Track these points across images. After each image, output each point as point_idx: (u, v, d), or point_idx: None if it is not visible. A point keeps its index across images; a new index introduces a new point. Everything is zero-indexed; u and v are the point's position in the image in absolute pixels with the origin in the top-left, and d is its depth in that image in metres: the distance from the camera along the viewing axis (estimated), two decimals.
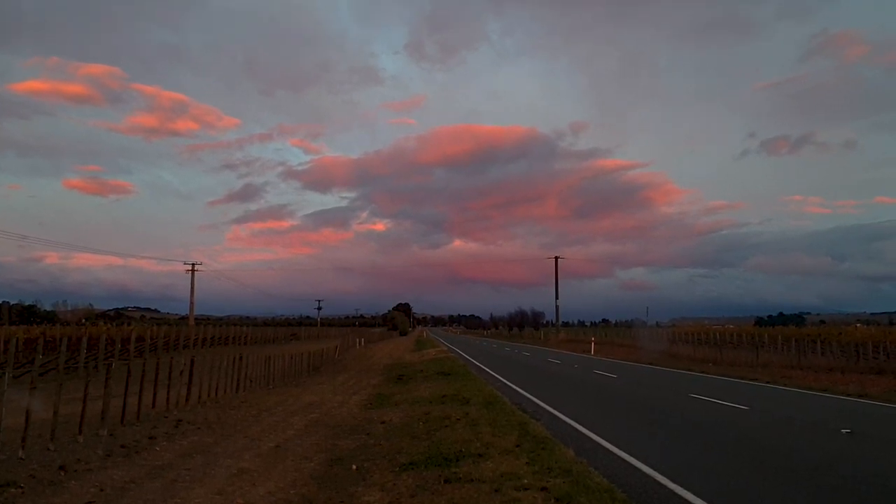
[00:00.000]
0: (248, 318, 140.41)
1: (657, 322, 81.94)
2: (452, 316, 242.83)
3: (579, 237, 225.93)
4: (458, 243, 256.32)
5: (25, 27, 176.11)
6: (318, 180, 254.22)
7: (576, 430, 11.31)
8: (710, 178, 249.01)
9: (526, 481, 6.91)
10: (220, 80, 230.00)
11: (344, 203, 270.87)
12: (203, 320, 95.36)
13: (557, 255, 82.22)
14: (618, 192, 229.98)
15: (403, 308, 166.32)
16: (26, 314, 74.39)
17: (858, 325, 56.33)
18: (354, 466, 8.27)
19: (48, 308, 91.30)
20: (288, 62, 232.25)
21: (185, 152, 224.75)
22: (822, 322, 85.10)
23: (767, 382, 20.87)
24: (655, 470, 7.91)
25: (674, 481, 7.32)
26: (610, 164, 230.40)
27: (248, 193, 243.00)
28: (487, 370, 27.17)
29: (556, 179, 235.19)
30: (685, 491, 6.91)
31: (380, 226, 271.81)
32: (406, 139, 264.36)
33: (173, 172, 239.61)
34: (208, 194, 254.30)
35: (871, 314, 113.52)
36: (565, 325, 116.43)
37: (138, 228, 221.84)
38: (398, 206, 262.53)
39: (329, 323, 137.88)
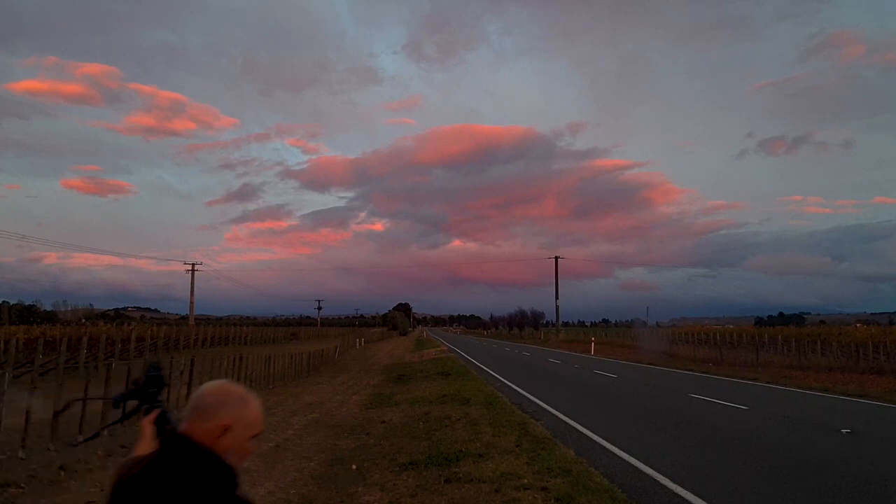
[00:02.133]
0: (248, 318, 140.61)
1: (657, 322, 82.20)
2: (452, 316, 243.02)
3: (578, 237, 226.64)
4: (457, 243, 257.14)
5: (23, 27, 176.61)
6: (316, 180, 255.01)
7: (576, 429, 11.31)
8: (708, 178, 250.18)
9: (526, 481, 6.91)
10: (218, 80, 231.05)
11: (342, 203, 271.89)
12: (203, 320, 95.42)
13: (557, 254, 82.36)
14: (616, 192, 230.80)
15: (403, 308, 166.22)
16: (26, 314, 74.31)
17: (858, 325, 56.27)
18: (354, 466, 8.27)
19: (48, 308, 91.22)
20: (287, 62, 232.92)
21: (183, 152, 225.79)
22: (822, 322, 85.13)
23: (767, 382, 20.86)
24: (655, 470, 7.91)
25: (674, 481, 7.33)
26: (608, 164, 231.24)
27: (246, 193, 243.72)
28: (487, 370, 27.16)
29: (554, 179, 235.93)
30: (685, 491, 6.91)
31: (378, 226, 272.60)
32: (405, 139, 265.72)
33: (172, 172, 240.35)
34: (207, 194, 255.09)
35: (871, 314, 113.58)
36: (565, 325, 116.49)
37: (137, 228, 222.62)
38: (397, 206, 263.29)
39: (329, 323, 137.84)
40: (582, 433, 10.92)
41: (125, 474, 1.67)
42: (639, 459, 8.55)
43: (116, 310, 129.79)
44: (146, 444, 1.82)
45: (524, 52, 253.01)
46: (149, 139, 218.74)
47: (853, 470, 8.03)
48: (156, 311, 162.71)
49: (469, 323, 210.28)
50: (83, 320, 67.07)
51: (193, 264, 75.18)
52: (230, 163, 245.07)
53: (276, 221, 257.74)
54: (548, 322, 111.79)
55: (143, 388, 1.95)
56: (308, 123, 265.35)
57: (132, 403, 2.01)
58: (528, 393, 17.65)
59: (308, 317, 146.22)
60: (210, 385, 1.74)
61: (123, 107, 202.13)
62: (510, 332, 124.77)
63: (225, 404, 1.68)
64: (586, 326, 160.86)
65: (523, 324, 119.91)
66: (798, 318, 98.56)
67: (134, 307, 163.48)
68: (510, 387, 19.56)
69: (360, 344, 63.31)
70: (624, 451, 9.18)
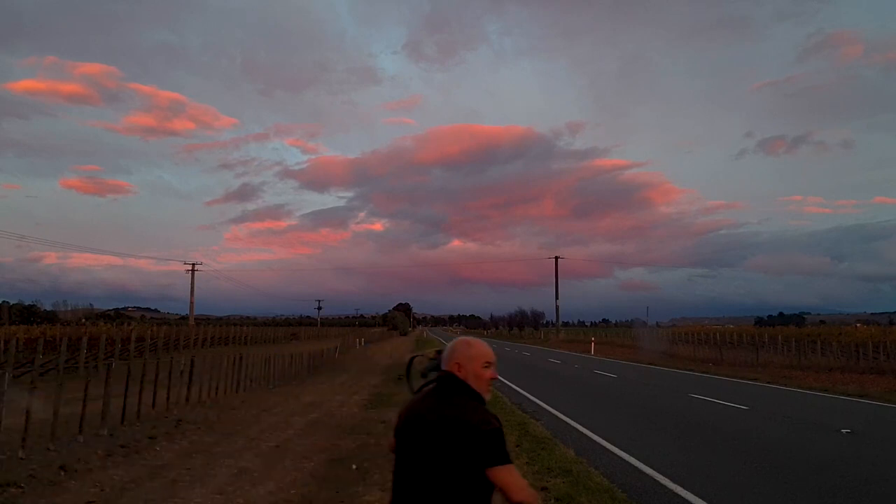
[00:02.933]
0: (248, 318, 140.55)
1: (657, 322, 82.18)
2: (452, 316, 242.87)
3: (578, 237, 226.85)
4: (456, 243, 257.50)
5: (22, 26, 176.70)
6: (315, 180, 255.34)
7: (576, 429, 11.31)
8: (708, 178, 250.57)
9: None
10: (218, 79, 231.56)
11: (342, 203, 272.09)
12: (203, 320, 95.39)
13: (557, 254, 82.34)
14: (616, 192, 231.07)
15: (403, 308, 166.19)
16: (26, 314, 74.21)
17: (858, 325, 56.27)
18: (354, 466, 8.27)
19: (48, 308, 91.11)
20: (286, 62, 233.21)
21: (182, 152, 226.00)
22: (822, 322, 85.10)
23: (768, 382, 20.86)
24: (655, 470, 7.91)
25: (674, 481, 7.33)
26: (608, 164, 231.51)
27: (245, 193, 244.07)
28: None
29: (553, 179, 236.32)
30: (685, 491, 6.91)
31: (378, 226, 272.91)
32: (404, 139, 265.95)
33: (172, 172, 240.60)
34: (206, 194, 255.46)
35: (871, 314, 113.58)
36: (565, 325, 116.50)
37: (137, 228, 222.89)
38: (396, 206, 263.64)
39: (329, 323, 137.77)
40: (582, 433, 10.92)
41: (414, 399, 2.57)
42: (639, 459, 8.55)
43: (116, 310, 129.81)
44: None
45: (524, 52, 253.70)
46: (148, 139, 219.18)
47: (853, 470, 8.03)
48: (156, 311, 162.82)
49: (469, 323, 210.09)
50: (83, 320, 67.03)
51: (194, 264, 75.14)
52: (229, 163, 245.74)
53: (276, 221, 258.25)
54: (548, 322, 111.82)
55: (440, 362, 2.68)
56: (306, 123, 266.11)
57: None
58: (528, 393, 17.65)
59: (308, 317, 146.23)
60: (450, 343, 2.56)
61: (122, 107, 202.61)
62: (510, 332, 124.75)
63: (454, 350, 2.52)
64: (586, 326, 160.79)
65: (523, 324, 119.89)
66: (798, 318, 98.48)
67: (134, 307, 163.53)
68: (510, 387, 19.55)
69: (360, 344, 63.34)
70: (624, 451, 9.18)
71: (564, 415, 13.11)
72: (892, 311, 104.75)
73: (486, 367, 2.50)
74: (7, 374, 9.11)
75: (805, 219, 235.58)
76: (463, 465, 2.28)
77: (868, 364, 26.86)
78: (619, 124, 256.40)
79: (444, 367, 2.52)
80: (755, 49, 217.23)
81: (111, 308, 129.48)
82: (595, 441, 10.13)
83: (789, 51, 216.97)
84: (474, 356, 2.50)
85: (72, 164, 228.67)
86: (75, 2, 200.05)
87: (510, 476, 2.29)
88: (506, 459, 2.30)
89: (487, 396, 2.48)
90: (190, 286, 74.06)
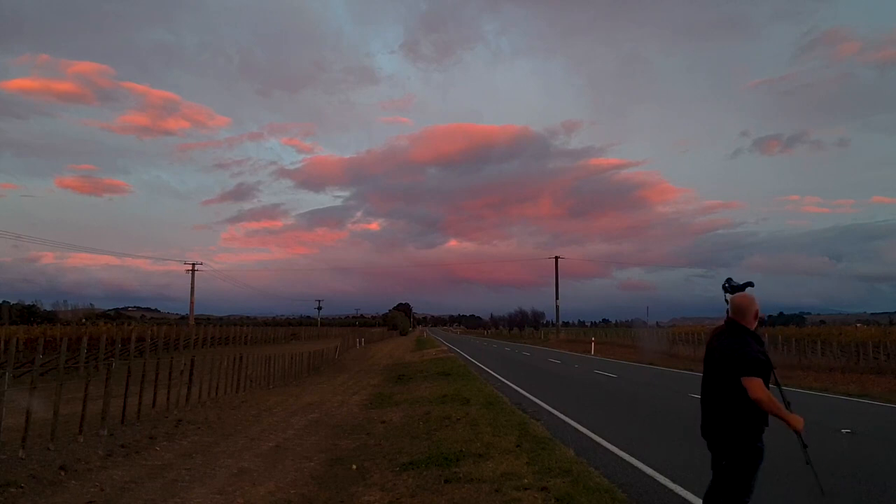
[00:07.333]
0: (247, 318, 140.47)
1: (657, 322, 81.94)
2: (452, 316, 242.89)
3: (575, 237, 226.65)
4: (453, 243, 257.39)
5: (15, 24, 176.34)
6: (311, 179, 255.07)
7: (576, 429, 11.31)
8: (705, 178, 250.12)
9: (526, 481, 6.90)
10: (214, 79, 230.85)
11: (338, 202, 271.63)
12: (203, 320, 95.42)
13: (556, 254, 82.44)
14: (613, 192, 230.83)
15: (403, 308, 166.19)
16: (26, 314, 74.19)
17: (858, 325, 56.24)
18: (354, 466, 8.27)
19: (48, 308, 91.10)
20: (283, 62, 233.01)
21: (177, 151, 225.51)
22: (822, 322, 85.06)
23: None
24: (656, 470, 7.91)
25: (674, 481, 7.33)
26: (604, 163, 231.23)
27: (241, 193, 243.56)
28: (487, 370, 27.16)
29: (550, 178, 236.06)
30: (685, 491, 6.92)
31: (374, 225, 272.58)
32: (399, 138, 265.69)
33: (168, 172, 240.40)
34: (203, 194, 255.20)
35: (871, 314, 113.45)
36: (565, 324, 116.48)
37: (134, 228, 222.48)
38: (392, 206, 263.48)
39: (329, 323, 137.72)
40: (582, 433, 10.91)
41: (714, 335, 4.60)
42: (639, 459, 8.55)
43: (117, 310, 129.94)
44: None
45: (521, 52, 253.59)
46: (143, 138, 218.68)
47: (854, 470, 8.02)
48: (156, 310, 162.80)
49: (469, 323, 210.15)
50: (83, 320, 67.04)
51: (194, 264, 75.25)
52: (224, 162, 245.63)
53: (272, 221, 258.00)
54: (548, 322, 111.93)
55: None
56: (301, 122, 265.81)
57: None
58: (528, 393, 17.65)
59: (308, 317, 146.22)
60: (732, 299, 4.40)
61: (117, 106, 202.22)
62: (510, 332, 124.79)
63: (733, 306, 4.40)
64: (586, 326, 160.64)
65: (523, 324, 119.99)
66: (798, 318, 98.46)
67: (134, 307, 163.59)
68: (510, 387, 19.56)
69: (360, 344, 63.37)
70: (624, 450, 9.18)
71: (564, 415, 13.10)
72: (892, 311, 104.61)
73: (754, 314, 4.38)
74: (7, 374, 9.10)
75: (803, 218, 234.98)
76: (730, 374, 4.29)
77: (868, 364, 26.85)
78: (616, 123, 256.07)
79: (728, 316, 4.41)
80: (751, 47, 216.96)
81: (111, 308, 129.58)
82: (595, 441, 10.12)
83: (785, 49, 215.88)
84: (744, 308, 4.38)
85: (68, 163, 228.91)
86: (71, 0, 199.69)
87: (749, 383, 4.22)
88: (748, 373, 4.22)
89: (752, 327, 4.38)
90: (190, 286, 74.17)
